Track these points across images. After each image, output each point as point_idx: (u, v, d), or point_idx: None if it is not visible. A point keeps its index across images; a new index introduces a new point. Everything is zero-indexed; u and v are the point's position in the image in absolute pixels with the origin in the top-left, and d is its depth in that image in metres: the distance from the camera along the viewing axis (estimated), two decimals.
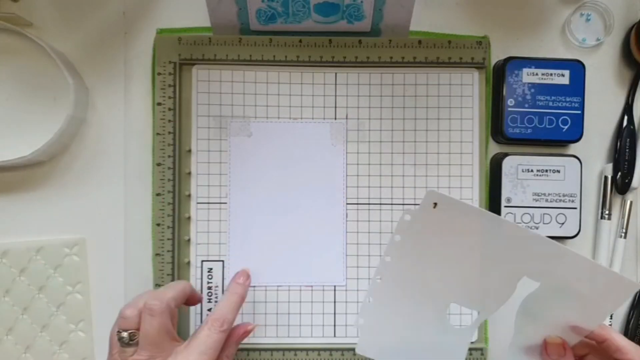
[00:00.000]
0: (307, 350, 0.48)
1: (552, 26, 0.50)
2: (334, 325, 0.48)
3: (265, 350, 0.48)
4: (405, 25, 0.47)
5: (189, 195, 0.48)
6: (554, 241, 0.37)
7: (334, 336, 0.48)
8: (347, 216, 0.48)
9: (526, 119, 0.47)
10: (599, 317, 0.39)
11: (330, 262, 0.48)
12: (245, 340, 0.48)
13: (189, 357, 0.38)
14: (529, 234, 0.37)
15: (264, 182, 0.48)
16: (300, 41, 0.47)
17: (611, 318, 0.49)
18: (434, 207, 0.37)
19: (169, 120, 0.47)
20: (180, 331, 0.48)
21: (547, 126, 0.48)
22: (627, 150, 0.49)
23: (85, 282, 0.48)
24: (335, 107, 0.48)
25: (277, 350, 0.48)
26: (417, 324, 0.41)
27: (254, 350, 0.47)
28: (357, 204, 0.48)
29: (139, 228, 0.48)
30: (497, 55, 0.49)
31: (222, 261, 0.48)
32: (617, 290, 0.37)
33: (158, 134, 0.47)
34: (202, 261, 0.48)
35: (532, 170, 0.47)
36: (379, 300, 0.41)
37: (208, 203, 0.48)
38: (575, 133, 0.48)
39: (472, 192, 0.48)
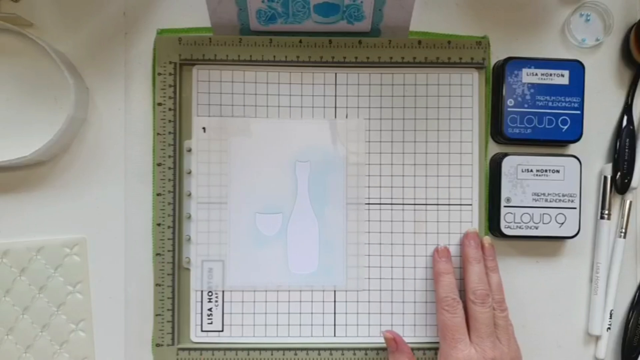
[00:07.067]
0: (307, 350, 0.48)
1: (551, 26, 0.50)
2: (334, 325, 0.48)
3: (266, 350, 0.48)
4: (405, 25, 0.47)
5: (190, 195, 0.48)
6: None
7: (334, 336, 0.48)
8: (347, 216, 0.48)
9: (526, 119, 0.48)
10: None
11: (330, 262, 0.48)
12: (246, 340, 0.48)
13: None
14: None
15: (264, 182, 0.48)
16: (300, 41, 0.47)
17: (611, 318, 0.49)
18: None
19: (170, 121, 0.47)
20: (180, 330, 0.48)
21: (547, 126, 0.48)
22: (626, 150, 0.49)
23: (85, 281, 0.48)
24: (335, 107, 0.48)
25: (277, 350, 0.48)
26: None
27: (254, 350, 0.48)
28: (357, 203, 0.48)
29: (139, 228, 0.48)
30: (496, 55, 0.49)
31: (222, 261, 0.48)
32: None
33: (158, 134, 0.47)
34: (203, 261, 0.48)
35: (531, 170, 0.48)
36: None
37: (208, 203, 0.48)
38: (575, 133, 0.48)
39: (471, 192, 0.48)
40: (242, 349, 0.48)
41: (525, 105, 0.47)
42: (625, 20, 0.50)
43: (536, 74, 0.47)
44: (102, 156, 0.48)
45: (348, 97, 0.48)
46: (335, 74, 0.48)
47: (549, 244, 0.50)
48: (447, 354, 0.43)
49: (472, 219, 0.48)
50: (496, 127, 0.48)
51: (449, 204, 0.48)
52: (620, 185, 0.49)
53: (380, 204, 0.48)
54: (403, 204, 0.48)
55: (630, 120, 0.49)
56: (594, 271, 0.49)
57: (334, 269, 0.48)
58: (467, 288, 0.45)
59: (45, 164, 0.48)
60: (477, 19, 0.50)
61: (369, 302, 0.48)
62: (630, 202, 0.49)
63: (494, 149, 0.49)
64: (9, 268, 0.48)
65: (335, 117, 0.48)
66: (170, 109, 0.47)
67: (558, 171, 0.48)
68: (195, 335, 0.48)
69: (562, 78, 0.48)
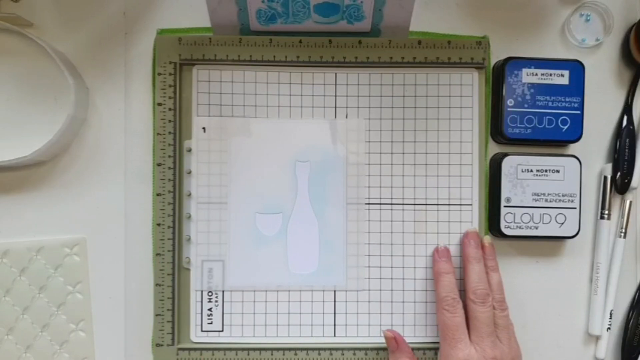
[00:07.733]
0: (307, 350, 0.48)
1: (551, 26, 0.50)
2: (334, 325, 0.48)
3: (266, 350, 0.48)
4: (405, 25, 0.47)
5: (190, 195, 0.48)
6: None
7: (334, 336, 0.48)
8: (347, 216, 0.48)
9: (526, 119, 0.48)
10: None
11: (330, 262, 0.48)
12: (246, 340, 0.48)
13: None
14: None
15: (264, 182, 0.48)
16: (300, 41, 0.47)
17: (611, 317, 0.49)
18: None
19: (170, 121, 0.47)
20: (180, 330, 0.48)
21: (547, 126, 0.48)
22: (626, 150, 0.49)
23: (85, 281, 0.48)
24: (335, 107, 0.48)
25: (277, 350, 0.48)
26: None
27: (254, 350, 0.48)
28: (357, 203, 0.48)
29: (139, 228, 0.48)
30: (496, 55, 0.49)
31: (222, 261, 0.48)
32: None
33: (158, 134, 0.47)
34: (203, 261, 0.48)
35: (531, 170, 0.48)
36: None
37: (208, 203, 0.48)
38: (575, 133, 0.48)
39: (471, 192, 0.48)
40: (242, 349, 0.48)
41: (525, 105, 0.48)
42: (625, 20, 0.50)
43: (536, 74, 0.47)
44: (102, 156, 0.49)
45: (348, 97, 0.48)
46: (335, 74, 0.48)
47: (549, 244, 0.50)
48: (447, 354, 0.43)
49: (472, 219, 0.48)
50: (496, 127, 0.48)
51: (449, 204, 0.48)
52: (620, 185, 0.49)
53: (380, 204, 0.48)
54: (403, 204, 0.48)
55: (630, 120, 0.49)
56: (594, 271, 0.49)
57: (334, 269, 0.48)
58: (467, 288, 0.45)
59: (45, 164, 0.48)
60: (477, 19, 0.50)
61: (369, 302, 0.48)
62: (630, 202, 0.49)
63: (494, 149, 0.49)
64: (9, 268, 0.48)
65: (335, 117, 0.48)
66: (170, 109, 0.47)
67: (558, 171, 0.48)
68: (195, 335, 0.48)
69: (562, 78, 0.48)
